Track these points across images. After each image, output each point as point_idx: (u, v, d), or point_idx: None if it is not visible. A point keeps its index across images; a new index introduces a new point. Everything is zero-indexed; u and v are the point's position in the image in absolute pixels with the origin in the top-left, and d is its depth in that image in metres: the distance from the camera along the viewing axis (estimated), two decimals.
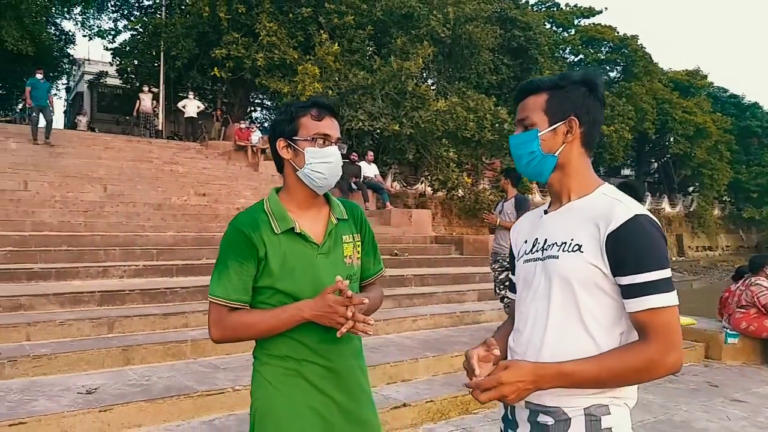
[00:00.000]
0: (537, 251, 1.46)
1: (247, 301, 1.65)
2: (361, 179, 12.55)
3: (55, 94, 29.49)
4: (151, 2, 25.23)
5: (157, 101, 20.52)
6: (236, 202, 10.58)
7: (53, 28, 25.70)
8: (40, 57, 22.02)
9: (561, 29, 36.11)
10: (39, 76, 13.88)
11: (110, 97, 29.46)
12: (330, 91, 18.37)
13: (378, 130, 18.36)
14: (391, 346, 5.44)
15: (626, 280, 1.29)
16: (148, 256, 7.08)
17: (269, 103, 26.54)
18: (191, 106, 18.33)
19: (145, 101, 18.13)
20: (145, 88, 18.59)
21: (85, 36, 45.06)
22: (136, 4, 25.91)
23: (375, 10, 20.48)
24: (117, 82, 26.35)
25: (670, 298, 1.29)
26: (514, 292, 1.60)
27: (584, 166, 1.46)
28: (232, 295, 1.63)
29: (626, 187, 4.84)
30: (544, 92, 1.43)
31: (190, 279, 6.43)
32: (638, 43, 34.94)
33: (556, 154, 1.43)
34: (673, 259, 31.07)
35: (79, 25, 26.47)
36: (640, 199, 4.81)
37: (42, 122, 13.34)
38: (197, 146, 16.45)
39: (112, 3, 25.67)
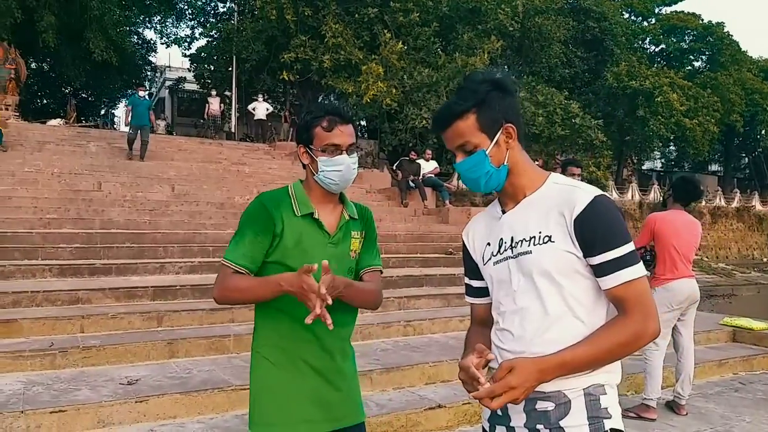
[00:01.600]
0: (506, 250, 1.48)
1: (250, 269, 1.77)
2: (420, 177, 12.46)
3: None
4: (225, 9, 26.23)
5: (228, 104, 21.24)
6: None
7: (136, 37, 27.23)
8: (124, 65, 23.40)
9: (640, 18, 34.47)
10: (141, 93, 13.38)
11: (188, 102, 30.85)
12: (394, 90, 18.40)
13: None
14: (433, 345, 5.34)
15: (597, 259, 1.36)
16: (204, 253, 7.31)
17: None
18: (261, 108, 18.86)
19: (213, 105, 18.82)
20: (213, 92, 19.29)
21: (163, 44, 47.57)
22: (212, 12, 27.02)
23: (441, 6, 20.30)
24: (195, 87, 27.60)
25: (640, 269, 1.36)
26: (477, 297, 1.64)
27: (527, 161, 1.51)
28: (239, 259, 1.76)
29: (684, 182, 4.52)
30: (469, 113, 1.44)
31: None
32: (724, 30, 32.85)
33: (506, 163, 1.46)
34: (765, 260, 28.91)
35: (158, 33, 27.85)
36: (699, 194, 4.46)
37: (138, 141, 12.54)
38: (266, 147, 16.88)
39: (189, 12, 26.88)
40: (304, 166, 1.89)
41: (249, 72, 21.47)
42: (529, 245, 1.42)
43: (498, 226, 1.52)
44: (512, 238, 1.46)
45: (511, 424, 1.44)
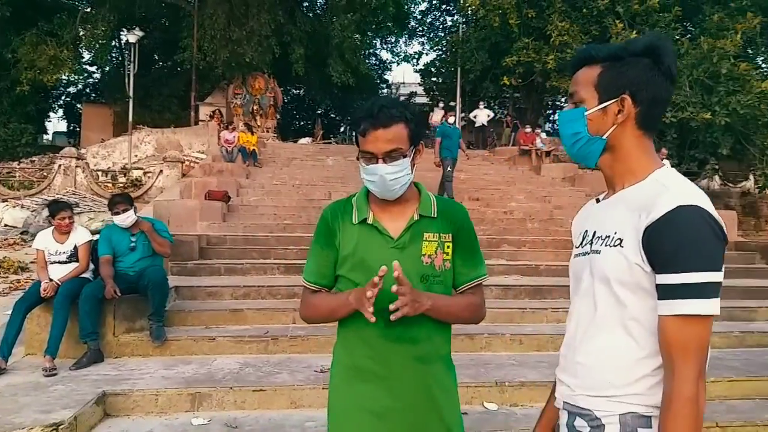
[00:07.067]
0: (586, 245, 1.34)
1: (323, 285, 1.73)
2: None
3: None
4: (451, 23, 27.15)
5: (453, 114, 21.85)
6: (506, 206, 10.64)
7: (374, 58, 29.70)
8: (362, 85, 25.71)
9: None
10: (450, 119, 11.31)
11: (419, 115, 32.50)
12: None
13: (683, 122, 16.24)
14: None
15: (659, 278, 1.15)
16: None
17: (565, 105, 25.87)
18: (481, 116, 19.13)
19: (434, 116, 19.53)
20: (440, 104, 20.05)
21: (393, 62, 51.00)
22: (440, 26, 28.18)
23: None
24: (425, 100, 29.01)
25: (704, 307, 1.12)
26: None
27: (639, 149, 1.27)
28: (310, 277, 1.74)
29: None
30: (597, 64, 1.27)
31: None
32: None
33: (604, 137, 1.27)
34: None
35: (389, 52, 29.93)
36: None
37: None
38: (485, 153, 17.04)
39: (420, 29, 28.42)
40: None
41: (472, 81, 21.88)
42: (602, 244, 1.25)
43: (590, 216, 1.38)
44: (594, 232, 1.30)
45: None
